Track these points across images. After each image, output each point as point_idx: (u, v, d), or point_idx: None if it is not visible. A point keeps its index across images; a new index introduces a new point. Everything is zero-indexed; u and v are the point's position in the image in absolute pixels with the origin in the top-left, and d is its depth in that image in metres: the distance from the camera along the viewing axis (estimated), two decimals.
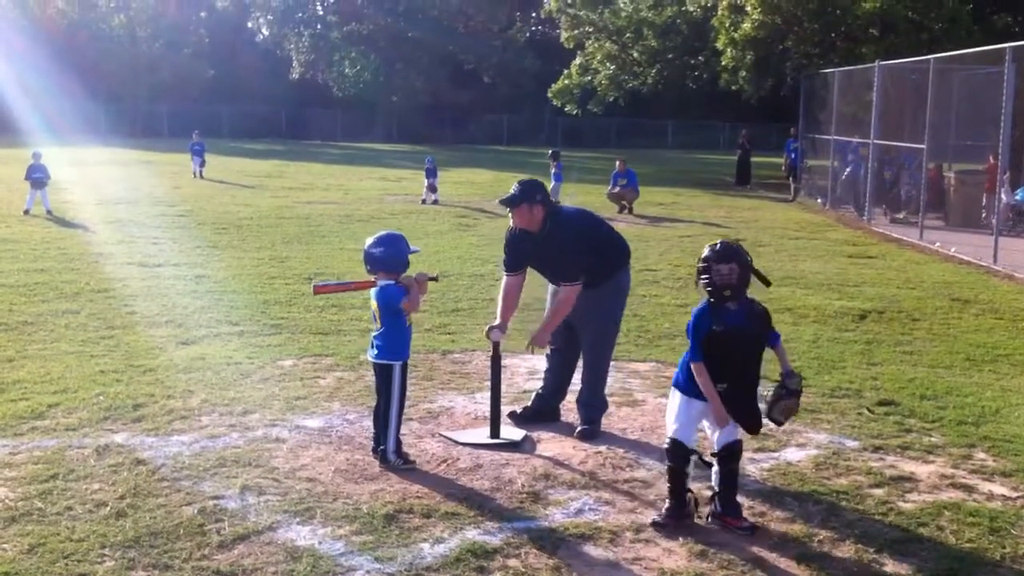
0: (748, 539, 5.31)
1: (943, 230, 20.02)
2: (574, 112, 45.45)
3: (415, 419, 7.23)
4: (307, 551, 5.05)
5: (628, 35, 40.27)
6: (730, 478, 5.48)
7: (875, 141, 21.97)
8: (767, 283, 5.59)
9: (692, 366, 5.36)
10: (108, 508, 5.49)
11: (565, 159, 25.78)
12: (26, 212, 19.81)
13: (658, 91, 43.10)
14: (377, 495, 5.78)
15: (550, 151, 26.48)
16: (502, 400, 7.04)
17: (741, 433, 5.46)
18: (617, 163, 24.32)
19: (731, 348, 5.31)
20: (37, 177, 20.32)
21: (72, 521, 5.33)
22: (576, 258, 6.98)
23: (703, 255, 5.38)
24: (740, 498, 5.60)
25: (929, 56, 19.71)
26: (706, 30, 35.13)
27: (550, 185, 24.73)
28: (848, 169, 24.74)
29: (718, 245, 5.40)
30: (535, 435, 6.99)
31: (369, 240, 6.31)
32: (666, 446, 5.53)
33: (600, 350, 7.25)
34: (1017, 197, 19.63)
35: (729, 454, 5.44)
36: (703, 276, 5.35)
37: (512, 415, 7.27)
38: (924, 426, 7.35)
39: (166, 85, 63.59)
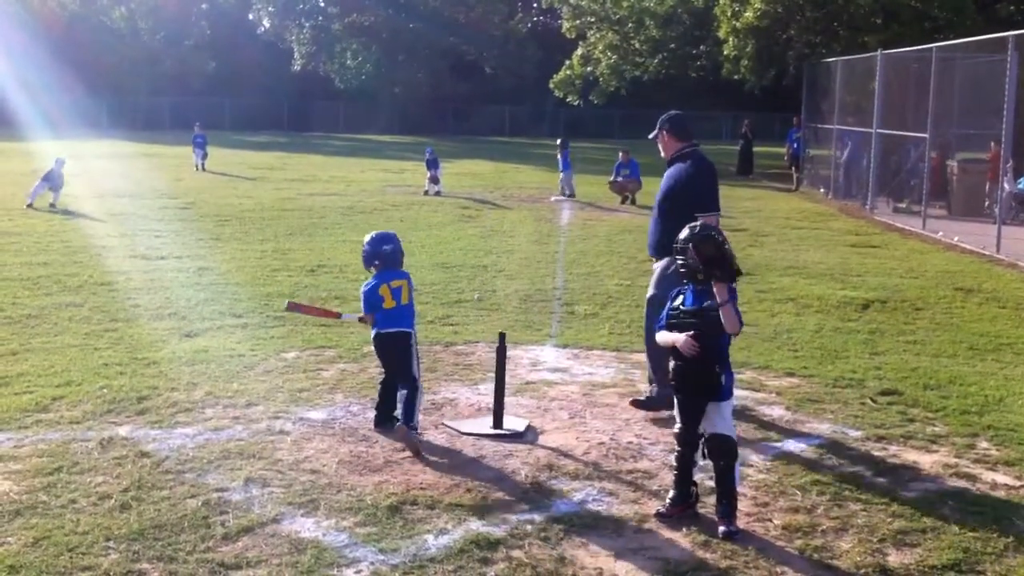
0: (751, 529, 5.32)
1: (946, 219, 20.00)
2: (576, 103, 45.33)
3: (418, 411, 7.23)
4: (311, 543, 5.06)
5: (630, 25, 40.14)
6: (719, 475, 5.39)
7: (878, 130, 21.94)
8: (739, 273, 5.56)
9: (656, 335, 5.56)
10: (112, 501, 5.50)
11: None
12: (29, 205, 19.82)
13: (660, 81, 43.00)
14: (381, 487, 5.79)
15: (559, 139, 26.46)
16: (506, 391, 7.05)
17: (736, 435, 5.46)
18: (620, 154, 24.31)
19: (683, 328, 5.37)
20: (55, 185, 20.32)
21: (76, 514, 5.34)
22: (706, 184, 7.13)
23: (681, 236, 5.41)
24: (743, 489, 5.61)
25: (932, 45, 19.67)
26: (708, 19, 35.03)
27: (559, 176, 24.72)
28: (845, 156, 24.83)
29: (697, 228, 5.40)
30: (538, 426, 7.00)
31: (369, 239, 6.99)
32: (676, 431, 5.52)
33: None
34: (1020, 186, 19.59)
35: (716, 448, 5.35)
36: (679, 257, 5.39)
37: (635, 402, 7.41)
38: (927, 415, 7.36)
39: (167, 78, 63.49)
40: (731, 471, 5.34)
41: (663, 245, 6.91)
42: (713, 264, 5.29)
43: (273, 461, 6.18)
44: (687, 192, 7.15)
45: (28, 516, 5.31)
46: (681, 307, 5.44)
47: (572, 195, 24.18)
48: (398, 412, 6.64)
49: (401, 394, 6.62)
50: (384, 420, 6.83)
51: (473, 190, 25.85)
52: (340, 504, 5.54)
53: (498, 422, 6.89)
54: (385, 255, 6.97)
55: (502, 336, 7.03)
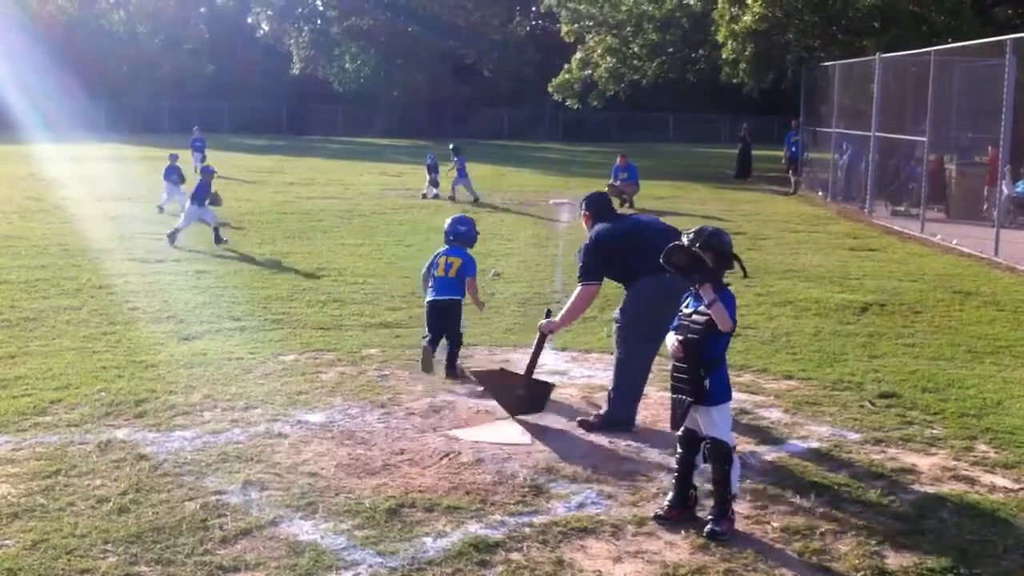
0: (750, 531, 5.32)
1: (944, 223, 19.99)
2: (575, 106, 45.32)
3: (417, 414, 7.24)
4: (309, 546, 5.06)
5: (628, 29, 40.16)
6: (712, 477, 5.40)
7: (876, 134, 21.95)
8: (744, 275, 5.66)
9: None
10: (110, 504, 5.50)
11: (566, 152, 25.87)
12: (160, 209, 19.75)
13: (659, 85, 43.02)
14: (379, 489, 5.79)
15: (452, 145, 26.68)
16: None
17: (734, 441, 5.47)
18: (618, 158, 24.35)
19: (682, 332, 5.44)
20: (172, 180, 20.20)
21: (75, 517, 5.33)
22: (584, 257, 7.36)
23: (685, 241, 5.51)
24: (743, 491, 5.61)
25: (930, 48, 19.68)
26: (706, 23, 35.02)
27: (452, 181, 24.67)
28: (846, 159, 24.89)
29: (678, 241, 5.51)
30: (537, 429, 6.99)
31: (450, 219, 8.84)
32: (679, 434, 5.52)
33: (618, 347, 7.28)
34: (1018, 189, 19.60)
35: (710, 451, 5.37)
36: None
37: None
38: (926, 418, 7.36)
39: (166, 81, 63.58)
40: (724, 474, 5.34)
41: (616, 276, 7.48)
42: (691, 270, 5.35)
43: (271, 464, 6.18)
44: (597, 242, 7.37)
45: (26, 519, 5.31)
46: (683, 311, 5.49)
47: (476, 200, 23.79)
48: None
49: (448, 352, 8.27)
50: (453, 365, 8.26)
51: None
52: (338, 507, 5.53)
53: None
54: (458, 233, 8.70)
55: (548, 311, 7.82)
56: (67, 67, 52.71)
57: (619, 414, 7.06)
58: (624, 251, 7.23)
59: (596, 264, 7.31)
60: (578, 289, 7.34)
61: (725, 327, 5.28)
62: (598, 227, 7.42)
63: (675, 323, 5.53)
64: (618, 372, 7.18)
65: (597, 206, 7.66)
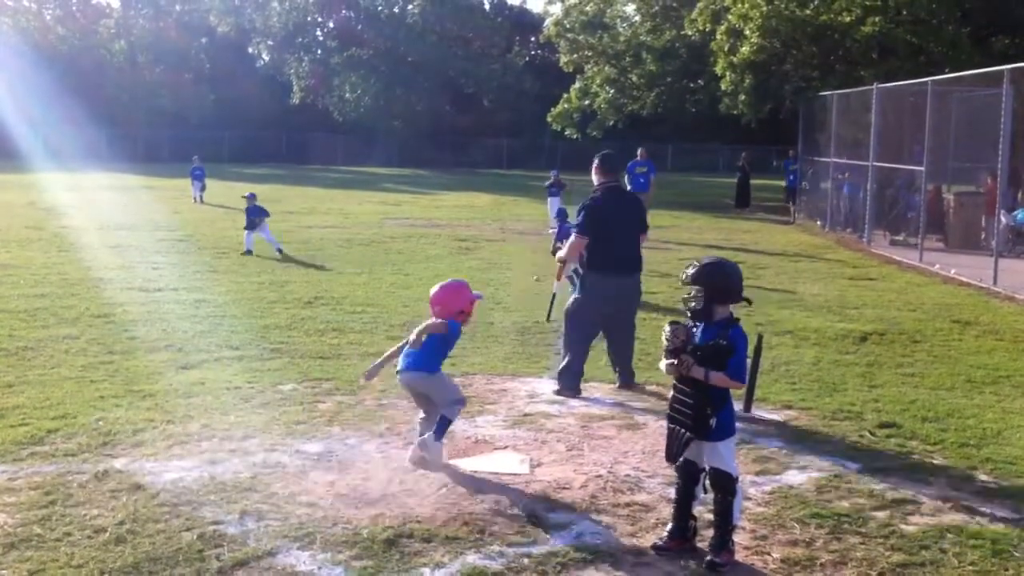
0: (750, 563, 5.29)
1: (943, 252, 20.03)
2: (574, 136, 45.49)
3: (416, 443, 7.21)
4: None
5: (627, 59, 40.42)
6: (715, 507, 5.35)
7: (874, 163, 22.02)
8: (748, 302, 5.65)
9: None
10: (107, 534, 5.47)
11: (566, 182, 26.07)
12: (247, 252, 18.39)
13: (657, 114, 43.22)
14: (377, 520, 5.76)
15: (248, 193, 25.08)
16: (503, 423, 7.02)
17: (738, 471, 5.43)
18: (639, 151, 25.02)
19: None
20: (251, 219, 18.85)
21: (71, 547, 5.30)
22: (579, 216, 8.99)
23: (681, 275, 5.48)
24: (741, 522, 5.58)
25: (927, 79, 19.78)
26: (705, 54, 35.22)
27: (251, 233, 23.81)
28: (846, 190, 24.98)
29: (690, 268, 5.46)
30: (536, 458, 6.98)
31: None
32: (679, 464, 5.48)
33: (566, 327, 9.04)
34: (1017, 218, 19.65)
35: (713, 480, 5.34)
36: (684, 296, 5.49)
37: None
38: (926, 448, 7.34)
39: (167, 110, 63.89)
40: (727, 505, 5.30)
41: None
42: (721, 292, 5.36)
43: (269, 494, 6.15)
44: (584, 207, 9.02)
45: (23, 549, 5.28)
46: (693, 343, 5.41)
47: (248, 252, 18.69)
48: None
49: None
50: None
51: (471, 222, 25.91)
52: (336, 537, 5.50)
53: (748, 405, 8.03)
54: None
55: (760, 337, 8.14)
56: (68, 96, 53.01)
57: (566, 387, 8.71)
58: (600, 222, 8.84)
59: (586, 223, 8.90)
60: (573, 237, 9.04)
61: (734, 386, 5.37)
62: (594, 195, 9.04)
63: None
64: (566, 348, 8.89)
65: (608, 163, 9.25)
